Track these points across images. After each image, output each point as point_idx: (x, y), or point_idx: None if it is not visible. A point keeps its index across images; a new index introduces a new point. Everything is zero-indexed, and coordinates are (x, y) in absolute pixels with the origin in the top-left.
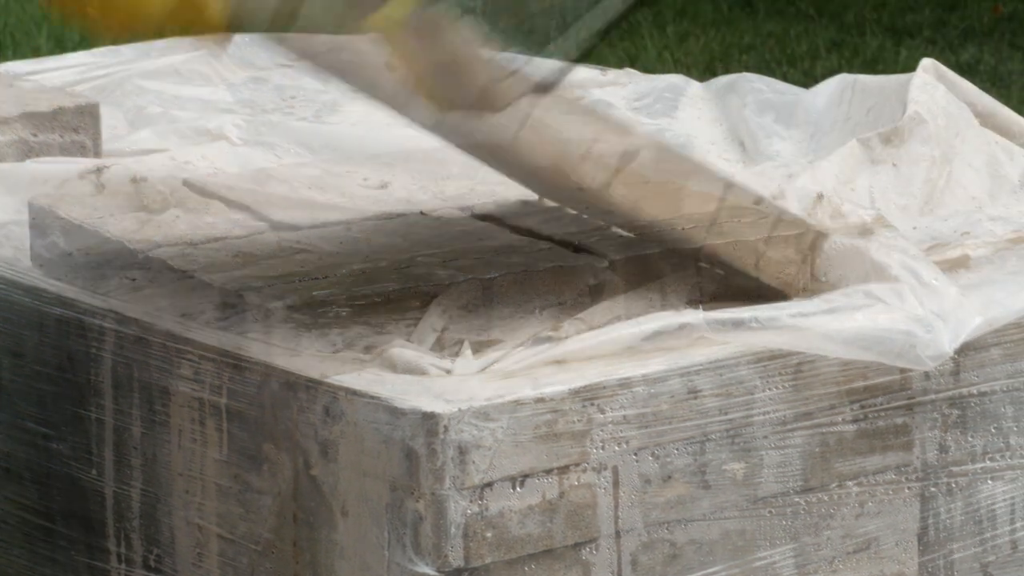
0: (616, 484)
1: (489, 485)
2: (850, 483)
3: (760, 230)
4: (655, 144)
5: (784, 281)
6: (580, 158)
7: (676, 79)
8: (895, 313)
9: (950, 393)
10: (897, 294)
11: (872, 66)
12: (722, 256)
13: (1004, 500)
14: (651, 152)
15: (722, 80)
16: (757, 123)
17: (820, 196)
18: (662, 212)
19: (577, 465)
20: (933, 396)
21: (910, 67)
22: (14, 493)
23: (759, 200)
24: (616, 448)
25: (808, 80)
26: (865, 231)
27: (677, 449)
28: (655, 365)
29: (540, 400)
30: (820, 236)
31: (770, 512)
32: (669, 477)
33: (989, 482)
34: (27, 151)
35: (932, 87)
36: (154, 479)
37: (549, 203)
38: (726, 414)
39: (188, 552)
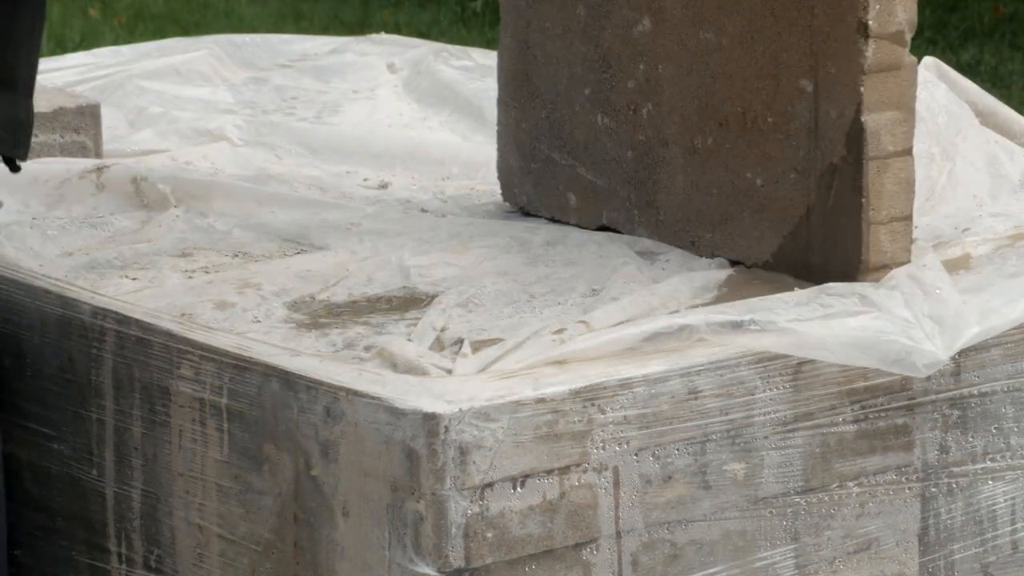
0: (617, 484)
1: (490, 485)
2: (851, 483)
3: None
4: (912, 60)
5: (877, 256)
6: None
7: None
8: (892, 318)
9: (951, 393)
10: (893, 299)
11: None
12: (874, 182)
13: (1005, 500)
14: (909, 68)
15: None
16: None
17: None
18: (878, 100)
19: (578, 465)
20: (934, 396)
21: None
22: (15, 493)
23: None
24: (617, 448)
25: None
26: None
27: (678, 449)
28: (656, 365)
29: (541, 400)
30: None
31: (771, 512)
32: (670, 477)
33: (990, 482)
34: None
35: (933, 85)
36: (155, 479)
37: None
38: (727, 414)
39: (189, 552)
